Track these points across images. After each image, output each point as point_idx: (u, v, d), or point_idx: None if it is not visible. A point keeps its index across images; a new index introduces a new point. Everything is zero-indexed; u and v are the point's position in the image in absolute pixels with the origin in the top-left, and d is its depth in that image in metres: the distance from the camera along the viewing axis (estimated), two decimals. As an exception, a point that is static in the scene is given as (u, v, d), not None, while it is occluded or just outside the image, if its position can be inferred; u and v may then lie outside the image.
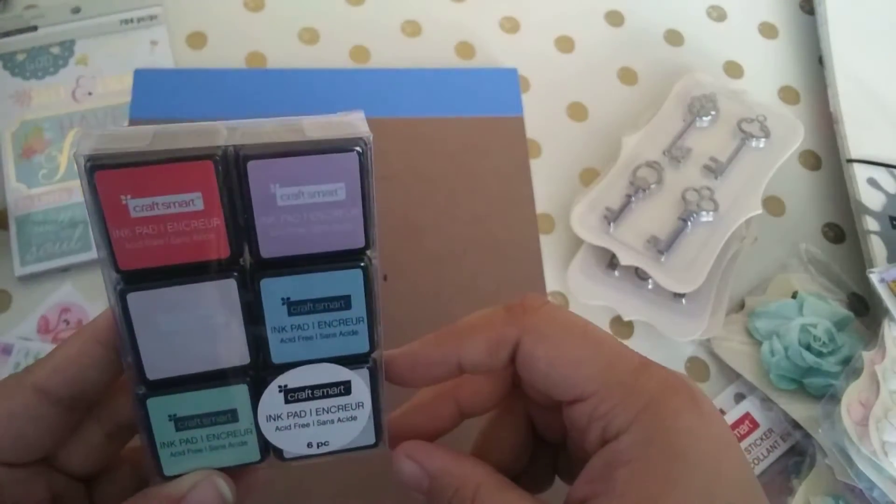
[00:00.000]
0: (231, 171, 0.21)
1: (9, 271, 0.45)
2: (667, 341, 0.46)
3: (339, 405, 0.25)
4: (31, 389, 0.24)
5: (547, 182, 0.51)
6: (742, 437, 0.44)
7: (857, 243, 0.49)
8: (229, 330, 0.23)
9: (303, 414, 0.24)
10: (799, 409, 0.43)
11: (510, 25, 0.57)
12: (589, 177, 0.52)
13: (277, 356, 0.24)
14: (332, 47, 0.55)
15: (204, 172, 0.21)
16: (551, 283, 0.48)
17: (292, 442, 0.25)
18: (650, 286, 0.46)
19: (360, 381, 0.25)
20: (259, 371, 0.24)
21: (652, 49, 0.58)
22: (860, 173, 0.50)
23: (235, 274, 0.22)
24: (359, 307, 0.24)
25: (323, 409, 0.24)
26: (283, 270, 0.23)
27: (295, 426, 0.24)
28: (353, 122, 0.23)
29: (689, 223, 0.47)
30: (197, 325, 0.22)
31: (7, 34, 0.51)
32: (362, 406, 0.25)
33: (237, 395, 0.24)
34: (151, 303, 0.22)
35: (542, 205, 0.50)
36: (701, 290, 0.45)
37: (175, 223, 0.21)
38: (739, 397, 0.46)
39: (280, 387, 0.24)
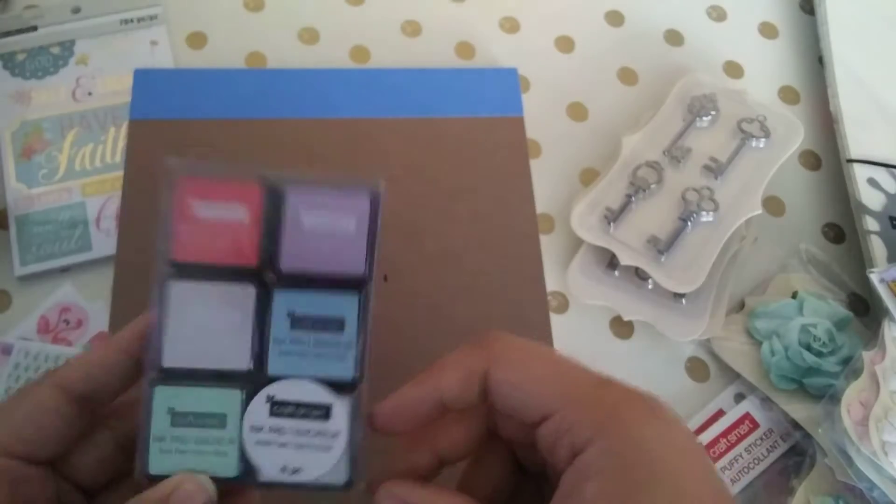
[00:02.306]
0: (273, 194, 0.26)
1: (9, 271, 0.45)
2: (667, 341, 0.46)
3: (317, 430, 0.26)
4: (52, 386, 0.26)
5: (547, 182, 0.51)
6: (742, 437, 0.44)
7: (857, 243, 0.49)
8: (240, 334, 0.26)
9: (283, 431, 0.26)
10: (799, 409, 0.43)
11: (510, 25, 0.57)
12: (589, 177, 0.52)
13: (273, 368, 0.26)
14: (332, 47, 0.55)
15: (253, 192, 0.26)
16: (551, 283, 0.48)
17: (268, 460, 0.26)
18: (650, 286, 0.46)
19: (340, 409, 0.27)
20: (254, 383, 0.27)
21: (652, 49, 0.58)
22: (860, 173, 0.50)
23: (257, 282, 0.27)
24: (351, 332, 0.27)
25: (302, 430, 0.26)
26: (293, 286, 0.27)
27: (274, 443, 0.26)
28: (376, 179, 0.27)
29: (689, 223, 0.47)
30: (216, 323, 0.26)
31: (7, 34, 0.51)
32: (338, 436, 0.27)
33: (231, 400, 0.26)
34: (187, 294, 0.26)
35: (542, 205, 0.50)
36: (701, 290, 0.45)
37: (223, 229, 0.26)
38: (739, 397, 0.46)
39: (268, 396, 0.26)
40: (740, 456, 0.43)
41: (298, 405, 0.26)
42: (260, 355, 0.26)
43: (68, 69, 0.51)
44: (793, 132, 0.50)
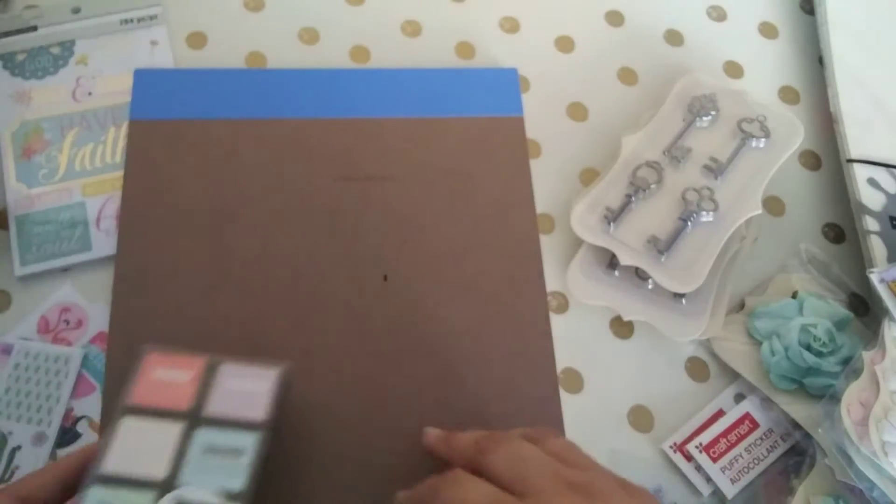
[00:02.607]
0: (211, 368, 0.37)
1: (9, 271, 0.45)
2: (667, 341, 0.46)
3: None
4: (6, 496, 0.33)
5: (547, 182, 0.51)
6: (742, 437, 0.44)
7: (857, 243, 0.49)
8: (164, 455, 0.34)
9: None
10: (799, 409, 0.43)
11: (510, 25, 0.57)
12: (589, 177, 0.52)
13: (183, 479, 0.34)
14: (332, 47, 0.55)
15: (199, 364, 0.37)
16: (551, 283, 0.48)
17: None
18: (650, 286, 0.46)
19: None
20: (168, 488, 0.34)
21: (652, 49, 0.58)
22: (860, 173, 0.50)
23: (186, 421, 0.35)
24: (247, 459, 0.34)
25: None
26: (211, 426, 0.36)
27: None
28: (284, 365, 0.38)
29: (689, 223, 0.47)
30: (148, 446, 0.35)
31: (7, 34, 0.51)
32: None
33: (144, 499, 0.33)
34: (133, 426, 0.35)
35: (542, 205, 0.50)
36: (701, 290, 0.45)
37: (172, 384, 0.37)
38: (739, 397, 0.46)
39: (172, 497, 0.33)
40: (740, 456, 0.43)
41: None
42: (175, 470, 0.34)
43: (68, 69, 0.51)
44: (793, 132, 0.50)
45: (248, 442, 0.35)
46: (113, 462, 0.34)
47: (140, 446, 0.35)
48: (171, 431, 0.35)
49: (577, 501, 0.32)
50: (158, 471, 0.34)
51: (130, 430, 0.35)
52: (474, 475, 0.34)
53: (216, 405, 0.36)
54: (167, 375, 0.37)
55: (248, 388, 0.37)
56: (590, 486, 0.32)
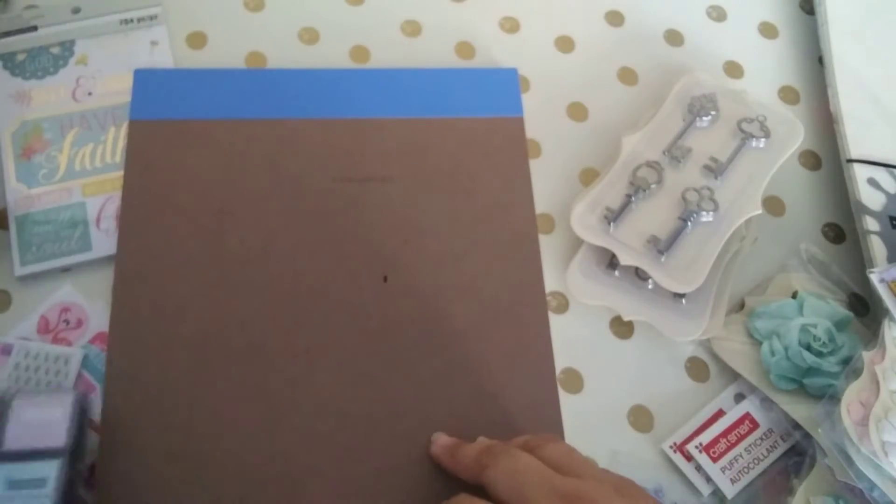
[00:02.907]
0: (4, 403, 0.38)
1: (9, 271, 0.45)
2: (667, 341, 0.46)
3: None
4: None
5: (547, 182, 0.51)
6: (742, 437, 0.44)
7: (857, 243, 0.49)
8: None
9: None
10: (799, 409, 0.43)
11: (510, 25, 0.57)
12: (589, 177, 0.52)
13: None
14: (332, 47, 0.55)
15: None
16: (551, 283, 0.48)
17: None
18: (650, 286, 0.46)
19: None
20: None
21: (652, 49, 0.58)
22: (860, 173, 0.50)
23: None
24: (51, 487, 0.36)
25: None
26: (10, 460, 0.36)
27: None
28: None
29: (689, 223, 0.47)
30: None
31: (7, 34, 0.51)
32: None
33: None
34: None
35: (542, 205, 0.50)
36: (701, 290, 0.45)
37: None
38: (739, 397, 0.46)
39: None
40: (740, 456, 0.43)
41: None
42: None
43: (68, 69, 0.51)
44: (793, 132, 0.50)
45: (50, 470, 0.36)
46: None
47: None
48: None
49: None
50: None
51: None
52: (478, 486, 0.35)
53: (13, 439, 0.37)
54: None
55: (45, 417, 0.37)
56: (584, 494, 0.33)
